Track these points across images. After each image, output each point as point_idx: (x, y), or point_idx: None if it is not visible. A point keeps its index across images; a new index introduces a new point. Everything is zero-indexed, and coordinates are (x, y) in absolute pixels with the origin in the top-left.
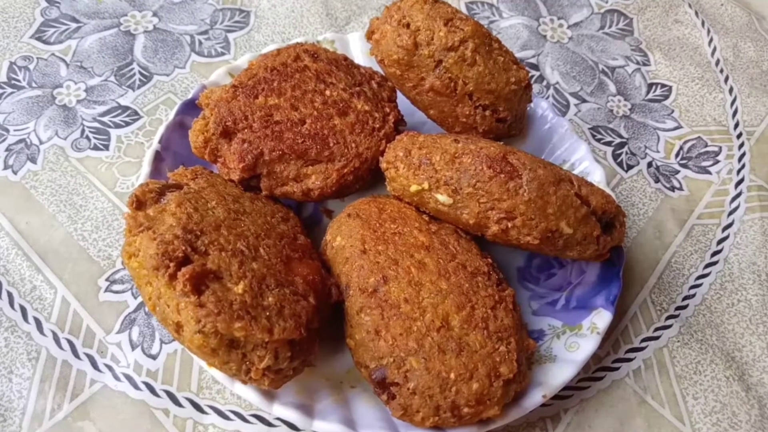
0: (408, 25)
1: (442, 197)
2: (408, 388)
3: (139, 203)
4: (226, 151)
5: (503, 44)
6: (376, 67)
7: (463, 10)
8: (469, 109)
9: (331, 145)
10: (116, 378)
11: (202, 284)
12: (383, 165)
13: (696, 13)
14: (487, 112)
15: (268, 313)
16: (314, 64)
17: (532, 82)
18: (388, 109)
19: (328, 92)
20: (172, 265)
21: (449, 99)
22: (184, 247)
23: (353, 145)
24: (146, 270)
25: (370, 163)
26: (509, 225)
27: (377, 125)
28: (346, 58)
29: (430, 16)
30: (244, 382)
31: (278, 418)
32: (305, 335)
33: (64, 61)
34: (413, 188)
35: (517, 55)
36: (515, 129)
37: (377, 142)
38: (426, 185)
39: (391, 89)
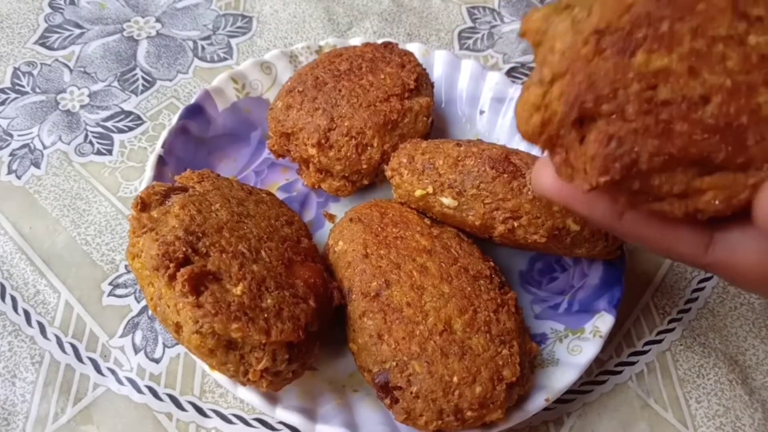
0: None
1: (447, 200)
2: (411, 392)
3: (143, 205)
4: (574, 144)
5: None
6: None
7: (465, 15)
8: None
9: (750, 143)
10: (119, 382)
11: (201, 285)
12: (388, 173)
13: None
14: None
15: (266, 315)
16: None
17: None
18: None
19: (753, 38)
20: (172, 265)
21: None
22: (184, 248)
23: None
24: (148, 270)
25: None
26: (515, 224)
27: None
28: None
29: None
30: (243, 384)
31: (281, 422)
32: (304, 338)
33: (67, 66)
34: (418, 193)
35: (519, 60)
36: None
37: None
38: (430, 189)
39: None
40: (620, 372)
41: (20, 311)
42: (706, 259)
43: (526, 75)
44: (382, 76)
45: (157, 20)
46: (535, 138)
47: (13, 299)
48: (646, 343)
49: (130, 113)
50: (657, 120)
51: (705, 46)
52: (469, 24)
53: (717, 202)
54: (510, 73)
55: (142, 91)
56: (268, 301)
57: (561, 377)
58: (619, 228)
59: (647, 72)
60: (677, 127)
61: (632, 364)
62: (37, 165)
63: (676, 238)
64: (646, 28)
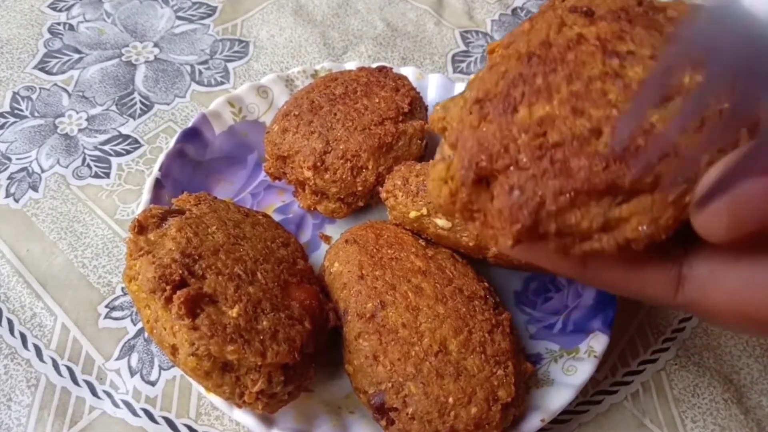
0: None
1: (441, 221)
2: (407, 413)
3: (140, 228)
4: (487, 205)
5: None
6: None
7: (458, 39)
8: None
9: (655, 159)
10: (115, 405)
11: (197, 307)
12: (383, 195)
13: None
14: None
15: (261, 337)
16: (591, 26)
17: None
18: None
19: (629, 71)
20: (168, 288)
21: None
22: (181, 271)
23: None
24: (144, 293)
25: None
26: None
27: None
28: (640, 2)
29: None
30: (239, 406)
31: None
32: (299, 359)
33: (66, 91)
34: (412, 214)
35: None
36: None
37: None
38: (425, 210)
39: None
40: (615, 392)
41: (17, 334)
42: (677, 300)
43: None
44: (377, 100)
45: (155, 45)
46: (451, 209)
47: (10, 322)
48: (641, 363)
49: (127, 137)
50: (552, 161)
51: (583, 87)
52: (463, 48)
53: (645, 228)
54: None
55: (140, 115)
56: (264, 323)
57: (556, 397)
58: (585, 277)
59: (532, 122)
60: (574, 163)
61: (627, 383)
62: (35, 188)
63: (642, 281)
64: (522, 86)
